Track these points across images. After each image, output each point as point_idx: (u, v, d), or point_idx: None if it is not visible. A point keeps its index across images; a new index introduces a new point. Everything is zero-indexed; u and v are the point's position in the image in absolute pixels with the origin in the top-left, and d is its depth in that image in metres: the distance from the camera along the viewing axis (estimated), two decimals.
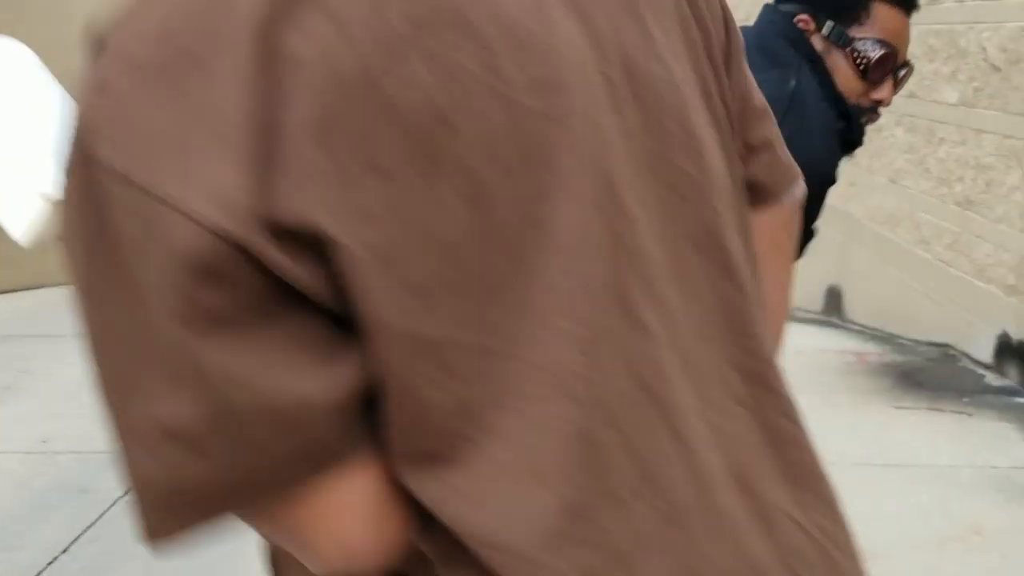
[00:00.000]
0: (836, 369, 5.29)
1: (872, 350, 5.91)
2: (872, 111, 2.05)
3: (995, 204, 5.48)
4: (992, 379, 5.26)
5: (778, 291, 1.16)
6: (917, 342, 6.09)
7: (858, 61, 1.99)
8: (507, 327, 0.75)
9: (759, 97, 1.09)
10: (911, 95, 6.49)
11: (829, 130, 1.97)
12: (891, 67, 2.01)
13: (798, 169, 1.14)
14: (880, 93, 2.02)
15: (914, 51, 6.30)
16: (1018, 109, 5.25)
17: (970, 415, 4.67)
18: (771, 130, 1.11)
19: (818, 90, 1.99)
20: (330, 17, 0.71)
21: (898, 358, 5.69)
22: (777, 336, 1.18)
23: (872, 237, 7.23)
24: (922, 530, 3.50)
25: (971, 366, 5.49)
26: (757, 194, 1.10)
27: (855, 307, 7.52)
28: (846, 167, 8.04)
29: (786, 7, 2.06)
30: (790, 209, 1.15)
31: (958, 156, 5.93)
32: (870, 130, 7.36)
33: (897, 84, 2.05)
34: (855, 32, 2.00)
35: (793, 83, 1.98)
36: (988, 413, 4.71)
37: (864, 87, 2.02)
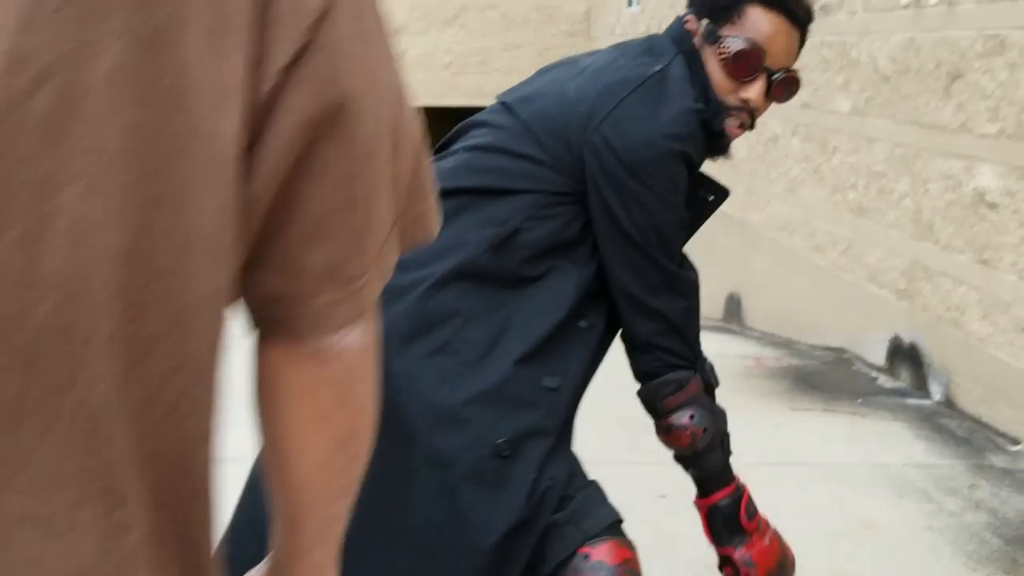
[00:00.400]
0: (735, 373, 5.40)
1: (770, 354, 6.03)
2: (742, 111, 2.11)
3: (887, 211, 5.64)
4: (885, 381, 5.40)
5: (308, 467, 0.94)
6: (813, 346, 6.23)
7: (721, 55, 2.08)
8: None
9: (334, 219, 0.87)
10: (805, 105, 6.64)
11: (688, 111, 2.03)
12: (755, 65, 2.08)
13: (368, 311, 0.92)
14: (748, 92, 2.09)
15: (808, 62, 6.45)
16: (907, 117, 5.41)
17: (864, 416, 4.80)
18: (321, 259, 0.88)
19: (687, 77, 2.07)
20: None
21: (795, 362, 5.82)
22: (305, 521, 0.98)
23: (770, 245, 7.39)
24: (815, 525, 3.60)
25: (865, 369, 5.63)
26: (272, 323, 0.91)
27: (754, 314, 7.67)
28: (744, 176, 8.23)
29: (683, 12, 2.16)
30: (336, 365, 0.92)
31: (851, 164, 6.09)
32: (767, 140, 7.49)
33: (771, 89, 2.12)
34: (725, 31, 2.09)
35: (658, 68, 2.06)
36: (881, 414, 4.84)
37: (732, 84, 2.10)
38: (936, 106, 5.12)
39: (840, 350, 5.99)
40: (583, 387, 2.09)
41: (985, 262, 4.68)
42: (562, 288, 2.03)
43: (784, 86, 2.12)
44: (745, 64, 2.08)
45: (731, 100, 2.09)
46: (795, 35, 2.12)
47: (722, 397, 2.32)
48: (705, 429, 2.19)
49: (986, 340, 4.67)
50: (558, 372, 2.02)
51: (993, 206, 4.62)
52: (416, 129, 0.94)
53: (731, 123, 2.11)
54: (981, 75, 4.72)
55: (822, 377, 5.46)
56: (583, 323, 2.05)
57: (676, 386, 2.14)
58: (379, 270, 0.93)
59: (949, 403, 4.92)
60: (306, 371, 0.91)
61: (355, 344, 0.92)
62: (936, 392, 5.05)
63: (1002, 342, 4.55)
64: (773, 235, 7.31)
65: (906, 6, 5.42)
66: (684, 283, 2.11)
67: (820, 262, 6.48)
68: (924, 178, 5.24)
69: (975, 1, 4.81)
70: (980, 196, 4.72)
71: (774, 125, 7.15)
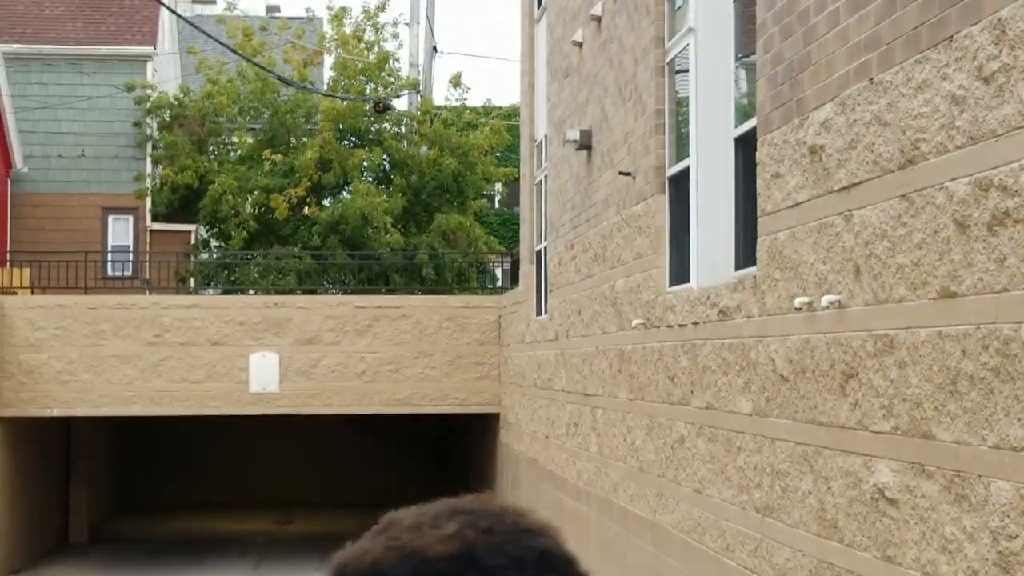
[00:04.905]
0: None
1: None
2: None
3: (792, 509, 5.67)
4: None
5: None
6: None
7: None
8: None
9: None
10: (709, 407, 6.75)
11: None
12: None
13: None
14: None
15: (709, 364, 6.60)
16: (806, 416, 5.52)
17: None
18: None
19: None
20: None
21: None
22: None
23: (680, 546, 7.35)
24: None
25: None
26: None
27: None
28: (653, 479, 8.20)
29: None
30: None
31: (756, 464, 6.15)
32: (674, 441, 7.51)
33: None
34: None
35: None
36: None
37: None
38: (833, 404, 5.23)
39: None
40: None
41: (889, 559, 4.69)
42: None
43: None
44: None
45: None
46: None
47: None
48: None
49: None
50: None
51: (893, 502, 4.67)
52: None
53: None
54: (873, 374, 4.85)
55: None
56: None
57: None
58: None
59: None
60: None
61: None
62: None
63: None
64: (683, 537, 7.28)
65: (799, 308, 5.61)
66: None
67: (729, 563, 6.44)
68: (826, 476, 5.30)
69: (864, 303, 4.99)
70: (880, 492, 4.78)
71: (680, 427, 7.23)
